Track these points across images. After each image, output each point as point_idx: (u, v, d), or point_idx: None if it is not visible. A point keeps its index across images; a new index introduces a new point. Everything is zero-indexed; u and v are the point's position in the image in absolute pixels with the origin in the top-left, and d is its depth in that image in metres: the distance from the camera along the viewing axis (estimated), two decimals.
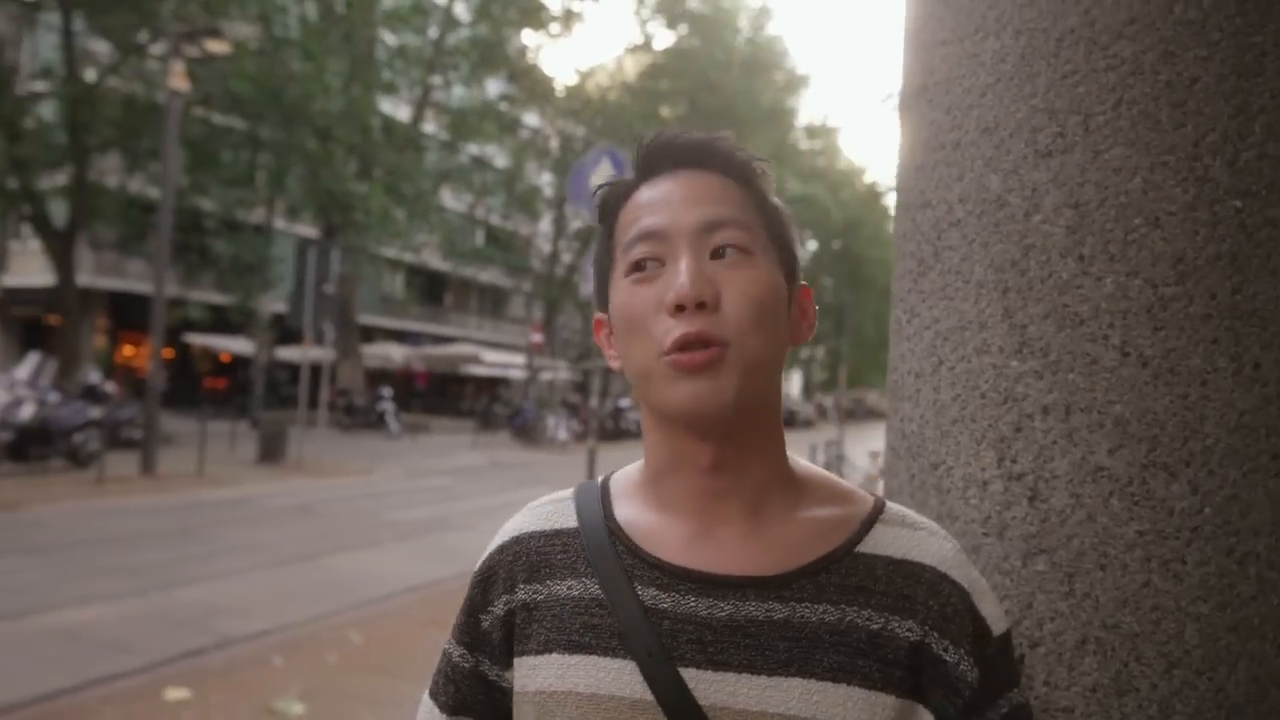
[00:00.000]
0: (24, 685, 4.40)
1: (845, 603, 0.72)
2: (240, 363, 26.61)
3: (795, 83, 36.77)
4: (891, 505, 0.80)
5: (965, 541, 0.97)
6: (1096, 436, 0.90)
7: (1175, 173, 0.89)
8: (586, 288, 8.67)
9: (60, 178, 17.25)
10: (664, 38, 33.35)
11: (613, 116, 29.60)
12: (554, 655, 0.75)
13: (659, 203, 0.75)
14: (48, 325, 21.98)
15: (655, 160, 0.78)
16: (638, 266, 0.75)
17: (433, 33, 24.05)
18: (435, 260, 32.08)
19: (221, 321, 22.58)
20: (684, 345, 0.70)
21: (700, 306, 0.70)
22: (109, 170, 18.58)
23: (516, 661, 0.78)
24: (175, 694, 4.32)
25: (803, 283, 0.81)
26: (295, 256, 16.85)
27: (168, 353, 25.45)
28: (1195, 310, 0.88)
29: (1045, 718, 0.91)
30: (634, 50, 33.79)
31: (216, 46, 13.23)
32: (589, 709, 0.72)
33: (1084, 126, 0.93)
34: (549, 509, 0.84)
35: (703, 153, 0.77)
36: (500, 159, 30.63)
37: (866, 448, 16.58)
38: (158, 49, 16.25)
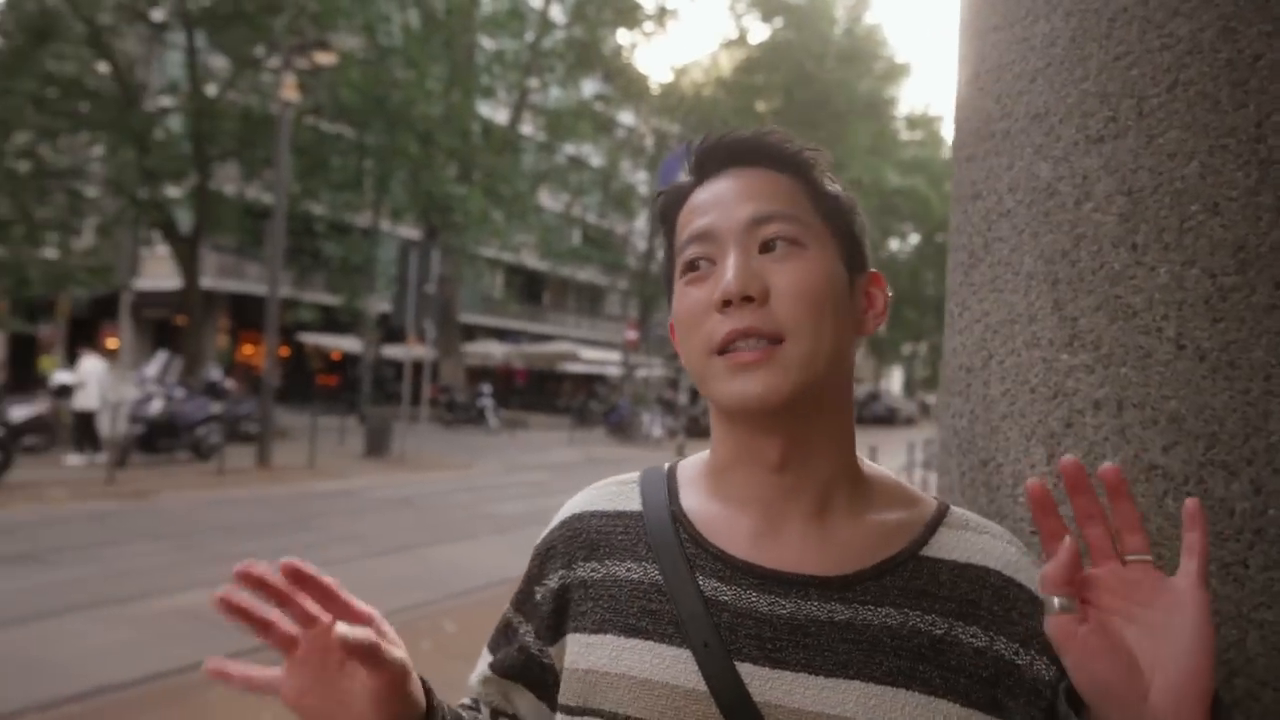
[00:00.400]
0: (149, 662, 4.73)
1: (909, 607, 0.71)
2: (351, 360, 27.79)
3: (895, 72, 35.82)
4: (955, 509, 0.78)
5: None
6: (1150, 433, 0.86)
7: (1236, 156, 0.85)
8: None
9: (185, 187, 18.37)
10: (759, 31, 33.07)
11: (707, 112, 29.51)
12: (609, 636, 0.75)
13: (710, 203, 0.76)
14: (175, 325, 23.42)
15: (707, 162, 0.78)
16: (690, 267, 0.75)
17: (529, 36, 24.50)
18: (533, 259, 32.70)
19: (333, 321, 23.59)
20: (734, 340, 0.70)
21: (747, 300, 0.70)
22: (228, 179, 19.67)
23: (570, 638, 0.79)
24: None
25: (873, 270, 0.80)
26: (397, 258, 17.47)
27: (284, 351, 26.79)
28: (1258, 300, 0.84)
29: None
30: (728, 45, 33.58)
31: (324, 58, 13.85)
32: (641, 693, 0.72)
33: (1137, 110, 0.89)
34: (614, 490, 0.85)
35: (752, 149, 0.77)
36: (596, 158, 30.97)
37: None
38: (272, 62, 17.10)
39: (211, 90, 18.02)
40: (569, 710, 0.76)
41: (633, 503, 0.82)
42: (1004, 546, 0.75)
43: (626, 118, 32.27)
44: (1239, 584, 0.83)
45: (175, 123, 18.86)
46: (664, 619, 0.74)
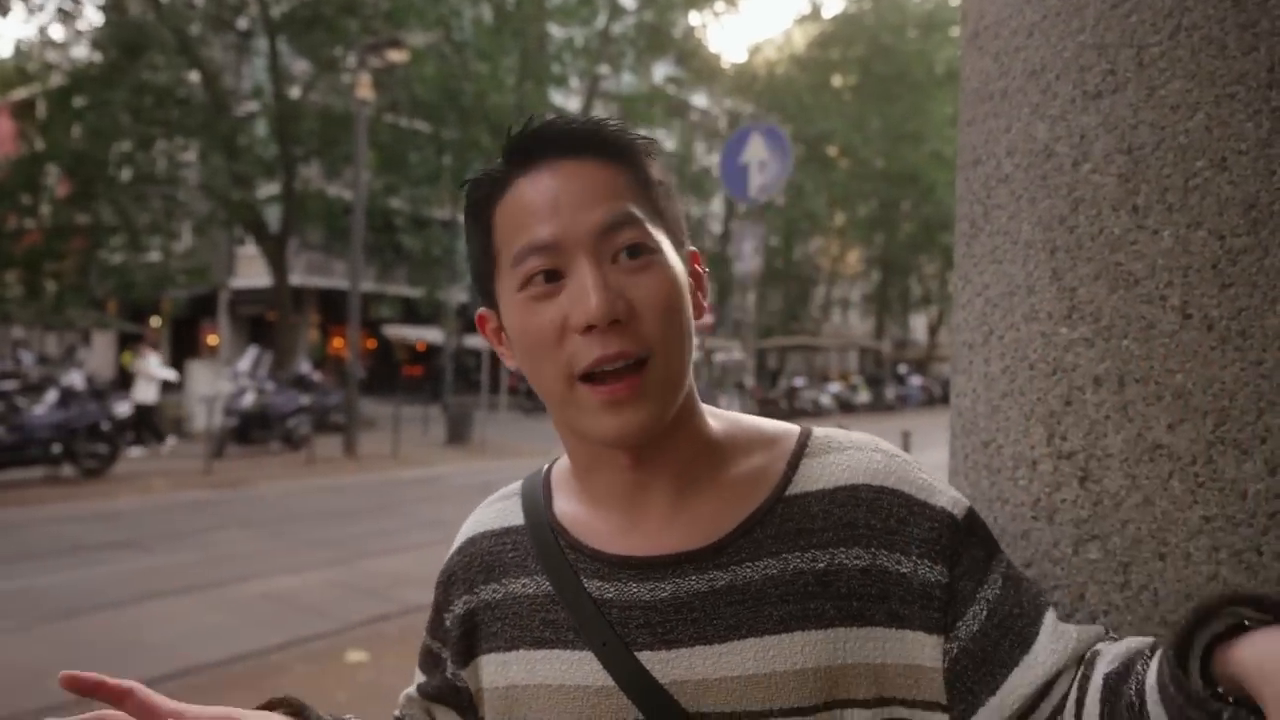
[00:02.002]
0: (238, 643, 4.95)
1: (786, 551, 0.71)
2: (434, 351, 28.42)
3: None
4: (818, 432, 0.77)
5: (1015, 526, 0.90)
6: (1154, 410, 0.80)
7: (1246, 105, 0.77)
8: (741, 266, 8.58)
9: (272, 188, 19.06)
10: (833, 4, 32.39)
11: (781, 90, 29.02)
12: (521, 651, 0.77)
13: (545, 206, 0.68)
14: (269, 321, 24.37)
15: (529, 149, 0.71)
16: (533, 280, 0.69)
17: (599, 23, 24.50)
18: None
19: (417, 313, 24.16)
20: (602, 365, 0.67)
21: (614, 323, 0.67)
22: (311, 178, 20.32)
23: (485, 659, 0.80)
24: (355, 656, 4.73)
25: (691, 248, 0.77)
26: None
27: (370, 343, 27.58)
28: (1271, 264, 0.76)
29: None
30: (802, 20, 32.93)
31: (396, 55, 14.14)
32: (559, 699, 0.74)
33: (1137, 60, 0.82)
34: (499, 507, 0.86)
35: (581, 139, 0.71)
36: (670, 142, 30.81)
37: None
38: (349, 62, 17.56)
39: (294, 93, 18.61)
40: None
41: (516, 517, 0.83)
42: (869, 455, 0.73)
43: (699, 100, 31.98)
44: (1252, 572, 0.77)
45: (260, 126, 19.55)
46: (563, 626, 0.75)
